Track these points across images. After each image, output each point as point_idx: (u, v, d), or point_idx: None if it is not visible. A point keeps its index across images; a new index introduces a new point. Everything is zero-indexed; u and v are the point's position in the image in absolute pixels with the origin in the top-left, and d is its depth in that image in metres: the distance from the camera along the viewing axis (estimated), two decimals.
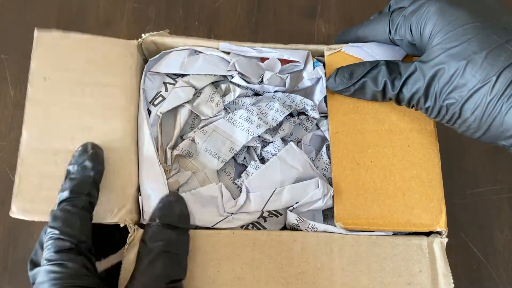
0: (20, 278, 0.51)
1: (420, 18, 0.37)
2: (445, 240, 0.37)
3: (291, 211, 0.39)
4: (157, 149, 0.40)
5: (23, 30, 0.58)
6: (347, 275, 0.36)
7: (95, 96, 0.39)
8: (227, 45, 0.43)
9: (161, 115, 0.41)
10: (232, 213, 0.39)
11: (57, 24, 0.58)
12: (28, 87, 0.39)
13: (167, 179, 0.39)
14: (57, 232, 0.33)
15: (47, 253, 0.32)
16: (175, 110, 0.42)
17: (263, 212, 0.39)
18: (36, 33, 0.40)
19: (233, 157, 0.42)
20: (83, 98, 0.39)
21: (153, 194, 0.38)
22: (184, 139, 0.42)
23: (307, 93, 0.44)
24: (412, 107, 0.38)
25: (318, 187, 0.39)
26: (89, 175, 0.36)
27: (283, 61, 0.43)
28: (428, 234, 0.39)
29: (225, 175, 0.42)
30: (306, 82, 0.43)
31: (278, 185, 0.39)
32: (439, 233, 0.38)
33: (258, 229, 0.39)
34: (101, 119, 0.39)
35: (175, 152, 0.40)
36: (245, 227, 0.39)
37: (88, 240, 0.34)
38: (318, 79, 0.43)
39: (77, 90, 0.39)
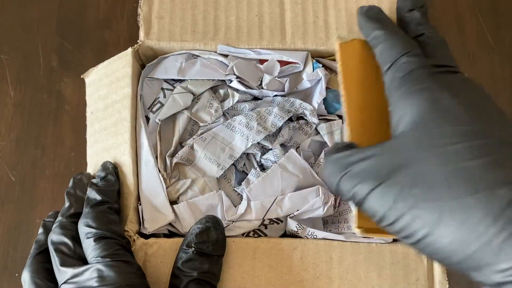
0: (20, 278, 0.51)
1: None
2: None
3: (291, 218, 0.39)
4: (157, 157, 0.40)
5: (23, 30, 0.58)
6: (345, 284, 0.36)
7: (109, 117, 0.41)
8: (225, 47, 0.43)
9: (160, 122, 0.41)
10: (233, 221, 0.39)
11: (57, 24, 0.58)
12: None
13: (166, 187, 0.39)
14: (103, 232, 0.34)
15: (103, 249, 0.33)
16: (173, 116, 0.42)
17: (264, 220, 0.39)
18: (86, 80, 0.44)
19: (233, 164, 0.42)
20: (105, 121, 0.41)
21: (153, 203, 0.38)
22: (183, 146, 0.41)
23: (307, 94, 0.44)
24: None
25: (319, 195, 0.39)
26: (114, 187, 0.38)
27: (282, 63, 0.43)
28: None
29: (226, 182, 0.42)
30: (305, 84, 0.43)
31: (279, 193, 0.39)
32: None
33: (259, 236, 0.39)
34: (112, 136, 0.41)
35: (175, 160, 0.40)
36: (246, 234, 0.39)
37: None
38: (318, 81, 0.43)
39: (103, 115, 0.42)
